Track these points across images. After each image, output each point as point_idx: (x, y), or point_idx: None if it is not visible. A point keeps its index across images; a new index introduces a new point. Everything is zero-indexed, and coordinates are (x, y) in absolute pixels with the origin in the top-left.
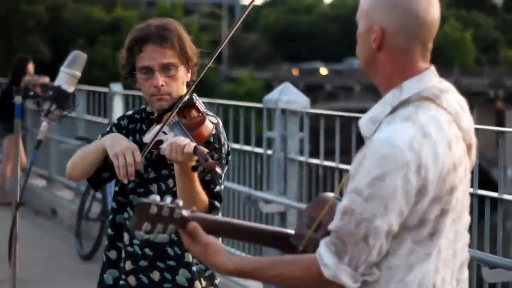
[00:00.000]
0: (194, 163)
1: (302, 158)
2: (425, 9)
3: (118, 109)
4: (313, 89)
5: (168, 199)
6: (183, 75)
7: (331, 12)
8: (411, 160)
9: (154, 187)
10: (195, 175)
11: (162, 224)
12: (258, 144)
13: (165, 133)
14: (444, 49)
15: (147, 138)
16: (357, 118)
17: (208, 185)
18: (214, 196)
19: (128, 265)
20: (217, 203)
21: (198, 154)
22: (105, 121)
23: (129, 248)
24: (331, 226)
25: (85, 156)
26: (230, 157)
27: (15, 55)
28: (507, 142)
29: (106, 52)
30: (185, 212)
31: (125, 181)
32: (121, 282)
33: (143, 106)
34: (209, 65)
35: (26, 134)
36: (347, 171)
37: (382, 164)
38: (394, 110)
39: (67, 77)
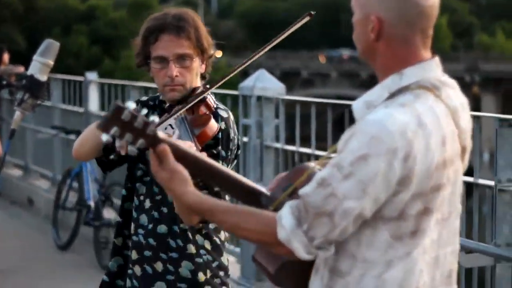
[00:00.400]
0: None
1: (278, 145)
2: (425, 2)
3: (93, 98)
4: (289, 76)
5: (144, 111)
6: (198, 67)
7: None
8: (400, 147)
9: (156, 188)
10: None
11: (131, 134)
12: None
13: (172, 127)
14: None
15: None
16: (333, 105)
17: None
18: (213, 195)
19: (134, 255)
20: None
21: None
22: (81, 110)
23: (134, 237)
24: (302, 191)
25: (90, 134)
26: (240, 151)
27: None
28: (484, 127)
29: (81, 40)
30: (160, 133)
31: (123, 152)
32: (129, 271)
33: (157, 94)
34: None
35: (2, 123)
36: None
37: (369, 145)
38: (391, 96)
39: (40, 66)
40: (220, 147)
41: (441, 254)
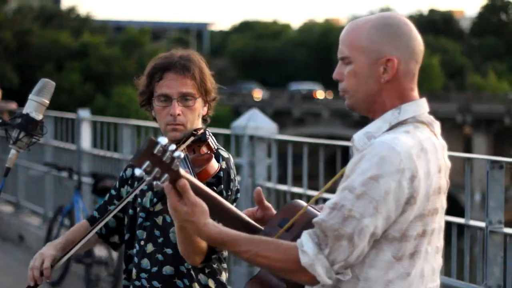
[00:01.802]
0: None
1: (270, 184)
2: (419, 36)
3: (86, 135)
4: (281, 115)
5: (173, 146)
6: (200, 108)
7: (299, 38)
8: (407, 167)
9: (159, 220)
10: None
11: (160, 169)
12: None
13: None
14: None
15: None
16: (325, 145)
17: None
18: None
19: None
20: None
21: None
22: (73, 147)
23: (137, 282)
24: (316, 218)
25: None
26: (239, 195)
27: None
28: (475, 167)
29: (73, 77)
30: (181, 169)
31: (31, 284)
32: None
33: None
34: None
35: None
36: None
37: (379, 166)
38: (392, 128)
39: (35, 105)
40: (222, 186)
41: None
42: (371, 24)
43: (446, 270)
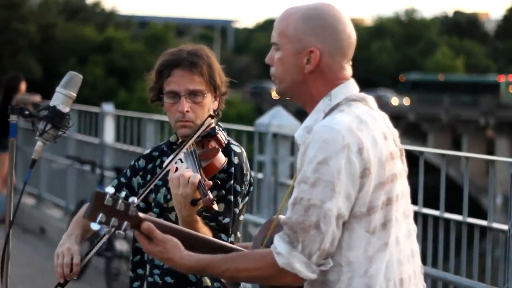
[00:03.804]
0: (195, 197)
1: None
2: (350, 29)
3: (109, 129)
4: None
5: (123, 193)
6: (210, 103)
7: None
8: (351, 142)
9: (172, 216)
10: (198, 219)
11: (116, 218)
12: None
13: (181, 161)
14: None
15: (165, 164)
16: None
17: (216, 217)
18: (221, 228)
19: None
20: (224, 237)
21: (200, 188)
22: (96, 140)
23: (149, 279)
24: (282, 219)
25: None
26: (252, 188)
27: (5, 74)
28: (498, 170)
29: (97, 72)
30: (140, 213)
31: (61, 281)
32: None
33: (161, 143)
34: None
35: (17, 152)
36: None
37: (324, 149)
38: (327, 115)
39: (62, 98)
40: (232, 181)
41: (408, 250)
42: (300, 14)
43: (468, 272)
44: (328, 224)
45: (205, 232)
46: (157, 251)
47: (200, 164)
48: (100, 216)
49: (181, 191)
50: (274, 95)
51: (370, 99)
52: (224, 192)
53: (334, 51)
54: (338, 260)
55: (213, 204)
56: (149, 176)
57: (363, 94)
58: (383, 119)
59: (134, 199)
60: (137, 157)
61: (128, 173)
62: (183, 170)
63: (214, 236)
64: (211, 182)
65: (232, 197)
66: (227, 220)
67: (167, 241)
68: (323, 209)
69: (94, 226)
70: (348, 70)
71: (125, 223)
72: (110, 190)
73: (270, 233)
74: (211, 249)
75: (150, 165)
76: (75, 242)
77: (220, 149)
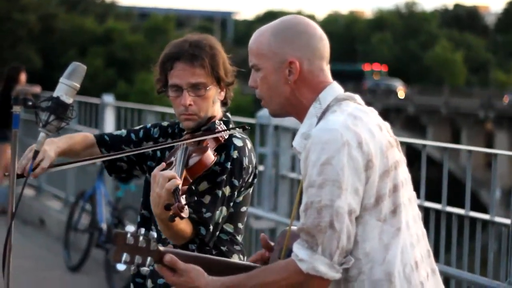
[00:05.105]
0: (169, 202)
1: (293, 175)
2: (320, 31)
3: (109, 121)
4: None
5: (143, 230)
6: (214, 95)
7: (324, 29)
8: (350, 138)
9: None
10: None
11: (140, 256)
12: None
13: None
14: (434, 69)
15: (167, 157)
16: None
17: (199, 208)
18: (201, 222)
19: (149, 284)
20: (202, 230)
21: (175, 193)
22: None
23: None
24: (298, 227)
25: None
26: (255, 180)
27: (6, 64)
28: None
29: (96, 63)
30: (160, 246)
31: (18, 172)
32: None
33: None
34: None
35: (18, 143)
36: None
37: (325, 150)
38: (320, 118)
39: (66, 88)
40: (225, 176)
41: (417, 233)
42: (270, 31)
43: (469, 266)
44: (342, 222)
45: (184, 227)
46: (183, 281)
47: (187, 164)
48: (125, 256)
49: (158, 191)
50: None
51: (357, 96)
52: (208, 188)
53: (312, 56)
54: (355, 255)
55: (182, 212)
56: (158, 152)
57: (349, 93)
58: (373, 112)
59: (153, 234)
60: (154, 124)
61: (141, 134)
62: (166, 171)
63: (193, 229)
64: (185, 188)
65: (220, 192)
66: (208, 214)
67: (191, 270)
68: (334, 208)
69: (120, 267)
70: (328, 71)
71: (149, 258)
72: (130, 228)
73: (286, 244)
74: (230, 271)
75: (162, 139)
76: (54, 150)
77: (208, 147)
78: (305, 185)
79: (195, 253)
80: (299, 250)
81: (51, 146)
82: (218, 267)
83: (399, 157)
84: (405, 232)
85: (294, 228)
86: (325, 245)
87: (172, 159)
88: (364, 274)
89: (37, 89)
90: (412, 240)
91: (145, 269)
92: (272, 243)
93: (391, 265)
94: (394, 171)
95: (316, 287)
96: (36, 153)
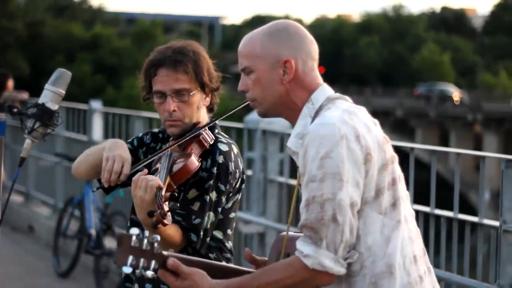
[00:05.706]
0: (152, 209)
1: (282, 179)
2: (310, 34)
3: (97, 127)
4: None
5: (146, 232)
6: (198, 101)
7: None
8: (348, 131)
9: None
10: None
11: (145, 259)
12: None
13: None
14: (422, 71)
15: (153, 164)
16: None
17: (188, 216)
18: (191, 228)
19: None
20: (193, 237)
21: (157, 199)
22: (84, 138)
23: (136, 271)
24: (300, 223)
25: (89, 155)
26: (243, 185)
27: None
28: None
29: (84, 69)
30: (163, 251)
31: (106, 185)
32: None
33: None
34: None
35: (5, 150)
36: None
37: (324, 144)
38: (314, 118)
39: (51, 95)
40: (212, 181)
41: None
42: (263, 33)
43: (458, 269)
44: (344, 215)
45: (172, 233)
46: (187, 285)
47: (171, 170)
48: (131, 259)
49: (140, 194)
50: None
51: (347, 97)
52: (197, 195)
53: (305, 56)
54: (357, 249)
55: (164, 219)
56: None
57: (340, 94)
58: (364, 111)
59: (157, 237)
60: (146, 132)
61: (135, 143)
62: (148, 175)
63: (183, 236)
64: (168, 194)
65: (208, 197)
66: (198, 220)
67: (195, 273)
68: (336, 201)
69: (127, 270)
70: (318, 73)
71: (153, 262)
72: (134, 231)
73: (284, 247)
74: (231, 276)
75: (153, 145)
76: (127, 152)
77: (192, 154)
78: (305, 181)
79: (197, 258)
80: (303, 246)
81: (123, 148)
82: (220, 273)
83: (394, 153)
84: (404, 225)
85: (291, 233)
86: (329, 239)
87: (158, 165)
88: (366, 268)
89: (24, 95)
90: (410, 234)
91: (150, 273)
92: (259, 258)
93: (392, 257)
94: (392, 165)
95: (321, 283)
96: (23, 159)
